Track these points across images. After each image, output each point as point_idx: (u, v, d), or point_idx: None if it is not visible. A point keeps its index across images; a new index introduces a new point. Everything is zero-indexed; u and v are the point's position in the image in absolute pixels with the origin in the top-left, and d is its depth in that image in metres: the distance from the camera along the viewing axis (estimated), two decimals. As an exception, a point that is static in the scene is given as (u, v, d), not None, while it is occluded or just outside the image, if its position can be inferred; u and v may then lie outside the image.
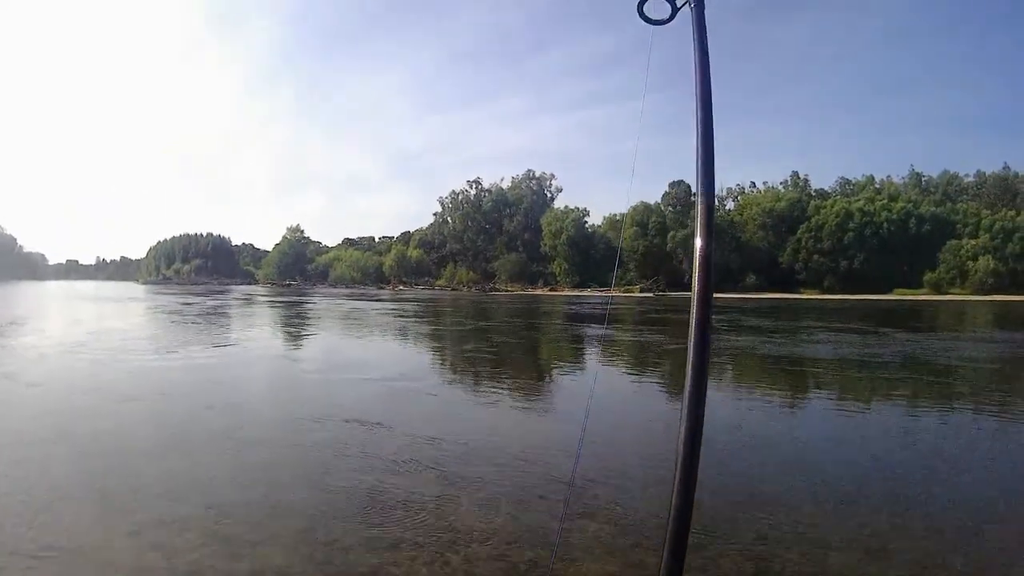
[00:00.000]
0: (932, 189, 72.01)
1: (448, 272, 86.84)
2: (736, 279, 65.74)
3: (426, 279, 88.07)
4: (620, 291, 67.58)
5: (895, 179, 75.10)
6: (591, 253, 77.39)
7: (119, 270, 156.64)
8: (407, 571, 3.10)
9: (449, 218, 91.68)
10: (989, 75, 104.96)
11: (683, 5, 1.55)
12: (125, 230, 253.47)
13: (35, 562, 3.16)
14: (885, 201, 69.28)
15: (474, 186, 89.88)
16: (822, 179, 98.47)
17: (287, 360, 12.34)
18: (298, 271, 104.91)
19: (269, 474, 4.66)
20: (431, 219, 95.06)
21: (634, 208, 75.24)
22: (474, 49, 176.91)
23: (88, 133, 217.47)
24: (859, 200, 70.29)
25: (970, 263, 62.87)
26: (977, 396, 8.88)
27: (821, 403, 8.46)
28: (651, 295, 60.37)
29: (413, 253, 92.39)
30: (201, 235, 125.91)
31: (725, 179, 74.74)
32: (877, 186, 74.81)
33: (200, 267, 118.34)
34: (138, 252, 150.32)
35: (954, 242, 64.63)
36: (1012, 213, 64.28)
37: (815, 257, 68.87)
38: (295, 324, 21.90)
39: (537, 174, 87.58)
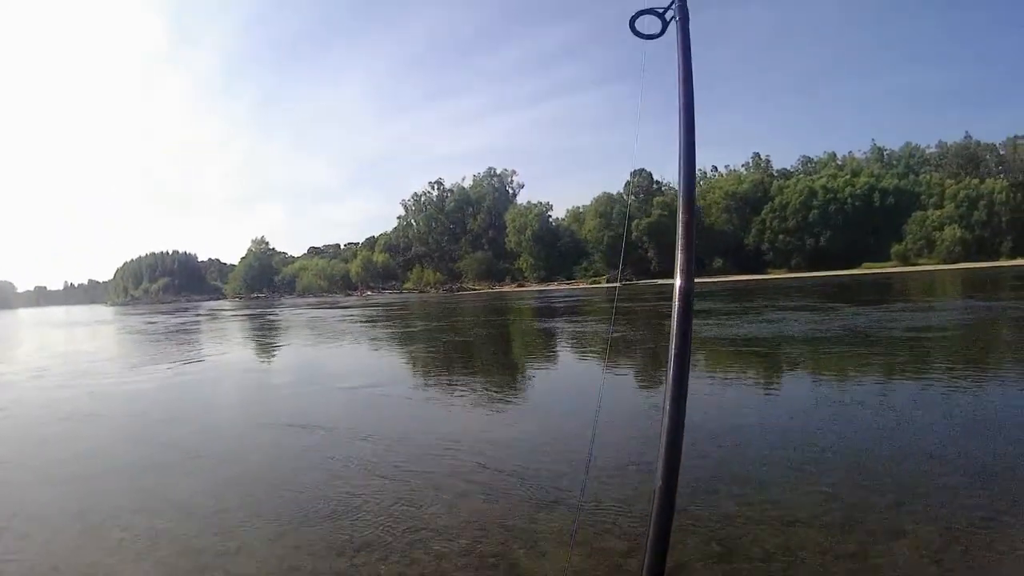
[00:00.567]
0: (895, 162, 71.10)
1: (415, 275, 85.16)
2: (702, 263, 64.43)
3: (393, 283, 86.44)
4: (588, 283, 66.43)
5: (857, 154, 74.20)
6: (557, 246, 76.30)
7: (87, 293, 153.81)
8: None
9: (413, 220, 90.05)
10: (951, 47, 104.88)
11: (671, 20, 1.68)
12: (91, 253, 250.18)
13: None
14: (848, 177, 68.39)
15: (436, 187, 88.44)
16: (784, 159, 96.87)
17: (247, 372, 11.99)
18: (265, 283, 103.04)
19: (241, 488, 4.54)
20: (396, 223, 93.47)
21: (596, 199, 74.05)
22: (428, 52, 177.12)
23: (49, 159, 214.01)
24: (822, 177, 69.45)
25: (936, 233, 62.11)
26: (917, 366, 8.50)
27: (749, 381, 8.13)
28: (617, 285, 58.92)
29: (379, 258, 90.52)
30: (167, 253, 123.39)
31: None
32: (839, 163, 73.85)
33: (168, 285, 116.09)
34: (105, 274, 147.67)
35: (919, 213, 63.94)
36: (976, 181, 63.55)
37: (781, 237, 67.99)
38: (257, 338, 20.98)
39: (499, 171, 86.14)
